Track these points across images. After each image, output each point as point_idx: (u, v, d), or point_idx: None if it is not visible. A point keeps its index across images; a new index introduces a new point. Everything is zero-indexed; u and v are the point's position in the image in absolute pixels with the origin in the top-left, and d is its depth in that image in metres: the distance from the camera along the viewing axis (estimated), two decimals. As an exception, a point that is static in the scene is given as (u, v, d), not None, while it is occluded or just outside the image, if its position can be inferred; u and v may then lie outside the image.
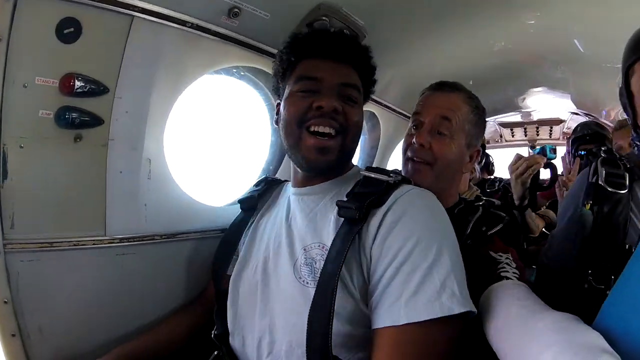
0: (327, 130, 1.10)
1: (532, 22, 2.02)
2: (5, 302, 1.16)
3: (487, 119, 3.51)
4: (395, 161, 3.00)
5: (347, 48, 1.18)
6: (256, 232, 1.30)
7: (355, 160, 2.82)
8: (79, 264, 1.28)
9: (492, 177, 3.24)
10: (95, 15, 1.16)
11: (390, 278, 0.93)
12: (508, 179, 2.90)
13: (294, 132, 1.12)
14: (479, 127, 1.40)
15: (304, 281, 1.03)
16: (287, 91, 1.18)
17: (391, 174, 1.09)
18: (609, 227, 1.30)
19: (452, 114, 1.31)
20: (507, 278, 1.05)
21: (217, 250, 1.36)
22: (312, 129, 1.10)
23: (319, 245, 1.06)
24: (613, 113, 3.17)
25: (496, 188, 2.91)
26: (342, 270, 0.94)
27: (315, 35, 1.22)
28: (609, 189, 1.29)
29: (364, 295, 0.99)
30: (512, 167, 1.80)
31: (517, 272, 1.08)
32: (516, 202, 1.87)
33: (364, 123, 2.77)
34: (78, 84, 1.18)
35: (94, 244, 1.30)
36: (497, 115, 3.93)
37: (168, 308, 1.47)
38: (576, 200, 1.43)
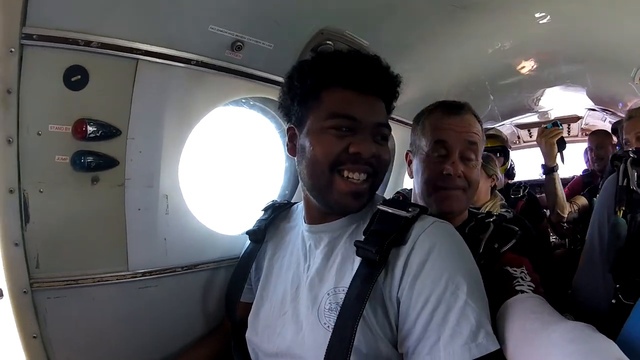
0: (362, 177, 1.00)
1: (544, 21, 1.92)
2: (35, 337, 1.16)
3: (503, 122, 3.40)
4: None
5: (381, 80, 1.06)
6: (271, 268, 1.21)
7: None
8: (103, 299, 1.27)
9: (517, 182, 3.04)
10: (100, 61, 1.14)
11: (425, 324, 0.87)
12: (531, 182, 2.77)
13: (324, 174, 1.00)
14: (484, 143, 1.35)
15: (329, 327, 0.95)
16: (314, 124, 1.03)
17: (409, 208, 0.99)
18: None
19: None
20: (522, 292, 0.98)
21: (230, 281, 1.31)
22: (345, 174, 1.00)
23: (343, 290, 0.97)
24: (630, 105, 2.99)
25: (521, 194, 2.75)
26: (364, 312, 0.88)
27: (343, 59, 1.05)
28: None
29: (388, 336, 0.93)
30: (542, 134, 2.38)
31: (532, 284, 1.00)
32: (549, 164, 2.38)
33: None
34: (90, 128, 1.16)
35: (117, 279, 1.28)
36: (513, 117, 3.79)
37: (190, 338, 1.44)
38: (607, 207, 1.32)
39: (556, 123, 2.44)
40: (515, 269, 1.06)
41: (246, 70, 1.46)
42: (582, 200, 2.78)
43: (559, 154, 2.45)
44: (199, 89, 1.36)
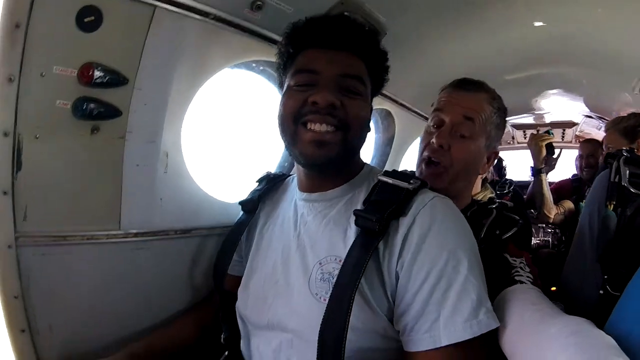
0: (324, 128, 0.99)
1: (549, 23, 1.98)
2: (15, 297, 1.12)
3: None
4: (408, 160, 2.97)
5: (348, 34, 1.06)
6: (261, 239, 1.21)
7: (368, 158, 2.80)
8: (91, 259, 1.24)
9: (504, 179, 3.17)
10: (116, 3, 1.11)
11: (425, 299, 0.88)
12: (518, 182, 2.90)
13: (290, 128, 1.03)
14: (500, 129, 1.35)
15: (321, 298, 0.96)
16: (285, 85, 1.09)
17: (411, 180, 1.01)
18: (631, 232, 1.26)
19: (476, 114, 1.25)
20: (521, 282, 1.02)
21: (219, 252, 1.31)
22: (308, 126, 1.00)
23: (335, 259, 0.99)
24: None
25: (506, 190, 2.90)
26: (360, 283, 0.88)
27: (313, 23, 1.09)
28: (633, 190, 1.26)
29: (385, 311, 0.94)
30: (533, 137, 2.71)
31: (530, 276, 1.05)
32: (536, 165, 2.69)
33: (379, 120, 2.74)
34: (97, 74, 1.13)
35: (107, 238, 1.26)
36: (510, 116, 3.81)
37: (180, 305, 1.44)
38: (598, 200, 1.40)
39: (548, 131, 2.72)
40: (514, 258, 1.10)
41: (262, 32, 1.45)
42: (569, 204, 2.94)
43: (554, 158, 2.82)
44: (213, 45, 1.35)
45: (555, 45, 2.30)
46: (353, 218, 0.98)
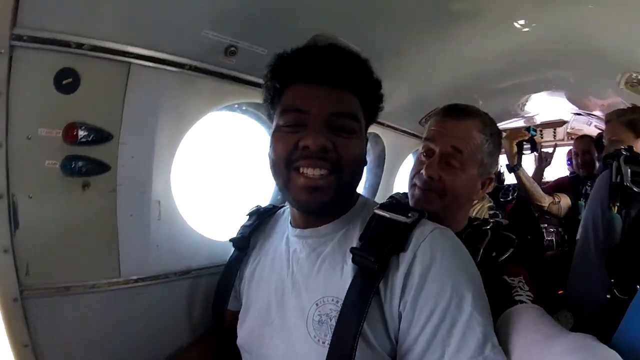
0: (317, 173, 0.91)
1: (529, 28, 1.92)
2: (25, 345, 1.12)
3: None
4: (401, 179, 2.90)
5: (339, 67, 0.96)
6: (253, 276, 1.15)
7: (362, 182, 2.75)
8: (95, 306, 1.23)
9: (506, 185, 3.02)
10: (92, 64, 1.11)
11: (429, 339, 0.82)
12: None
13: (282, 173, 0.95)
14: (494, 155, 1.26)
15: (319, 341, 0.90)
16: (274, 123, 1.00)
17: (409, 214, 0.93)
18: (636, 233, 1.20)
19: (464, 144, 1.17)
20: (521, 302, 0.96)
21: (216, 291, 1.26)
22: (301, 170, 0.92)
23: (332, 300, 0.92)
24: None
25: (510, 198, 2.76)
26: (363, 327, 0.82)
27: (299, 55, 0.99)
28: (636, 189, 1.19)
29: (387, 351, 0.88)
30: (507, 133, 2.59)
31: (530, 294, 0.99)
32: (510, 163, 2.61)
33: (369, 145, 2.68)
34: (81, 133, 1.13)
35: (109, 286, 1.25)
36: (499, 122, 3.74)
37: (182, 343, 1.40)
38: (601, 203, 1.33)
39: (529, 128, 2.67)
40: (513, 278, 1.04)
41: (240, 76, 1.44)
42: (566, 199, 2.84)
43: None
44: (192, 93, 1.34)
45: (539, 49, 2.24)
46: (349, 255, 0.92)
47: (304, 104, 0.94)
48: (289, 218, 1.11)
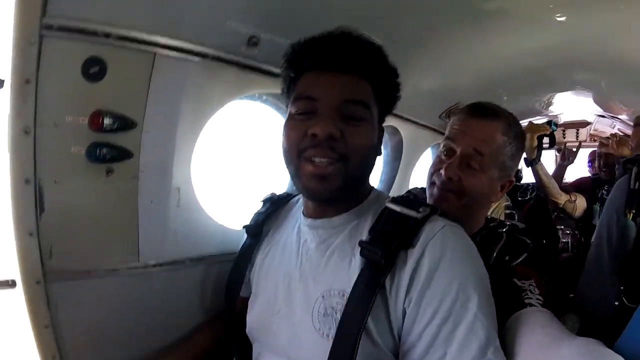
0: (325, 161, 0.90)
1: (557, 26, 1.85)
2: (46, 326, 1.15)
3: None
4: (418, 174, 2.85)
5: (350, 54, 0.94)
6: (263, 264, 1.15)
7: (377, 174, 2.72)
8: (114, 289, 1.26)
9: (524, 184, 2.95)
10: (118, 53, 1.12)
11: (432, 338, 0.80)
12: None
13: (294, 162, 0.94)
14: (515, 158, 1.23)
15: (323, 333, 0.89)
16: (287, 112, 1.00)
17: (420, 209, 0.90)
18: None
19: (486, 147, 1.14)
20: (531, 304, 0.95)
21: (229, 278, 1.26)
22: (311, 158, 0.91)
23: (338, 293, 0.90)
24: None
25: (528, 197, 2.66)
26: (367, 322, 0.81)
27: (312, 44, 0.98)
28: None
29: (390, 348, 0.86)
30: (528, 126, 2.43)
31: (540, 298, 0.97)
32: (528, 157, 2.46)
33: (386, 137, 2.65)
34: (106, 120, 1.14)
35: (128, 270, 1.27)
36: (522, 120, 3.68)
37: (196, 324, 1.42)
38: (617, 209, 1.30)
39: (550, 122, 2.52)
40: (523, 281, 1.03)
41: (261, 66, 1.43)
42: (582, 200, 2.76)
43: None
44: (214, 83, 1.34)
45: (569, 49, 2.19)
46: (358, 248, 0.90)
47: (314, 91, 0.93)
48: (302, 207, 1.10)
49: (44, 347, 1.15)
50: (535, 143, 2.42)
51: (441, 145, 1.23)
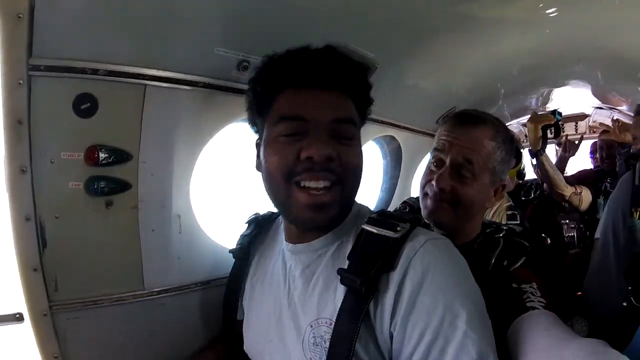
0: (320, 185, 0.83)
1: (551, 22, 1.83)
2: (55, 356, 1.15)
3: (510, 122, 3.32)
4: (418, 180, 2.78)
5: (337, 70, 0.87)
6: (253, 289, 1.10)
7: (378, 185, 2.69)
8: (121, 317, 1.26)
9: (527, 181, 2.83)
10: (108, 88, 1.12)
11: (422, 359, 0.75)
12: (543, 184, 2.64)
13: (281, 188, 0.86)
14: (506, 161, 1.19)
15: None
16: (267, 134, 0.89)
17: (398, 227, 0.83)
18: None
19: (475, 155, 1.11)
20: (533, 307, 0.90)
21: (224, 302, 1.21)
22: (302, 184, 0.84)
23: (325, 322, 0.85)
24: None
25: (532, 197, 2.58)
26: (356, 349, 0.78)
27: (294, 58, 0.89)
28: None
29: None
30: (532, 116, 2.36)
31: (542, 300, 0.93)
32: (533, 148, 2.34)
33: (384, 146, 2.64)
34: (102, 155, 1.14)
35: (134, 298, 1.26)
36: (520, 117, 3.70)
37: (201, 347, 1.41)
38: (622, 207, 1.26)
39: (554, 112, 2.40)
40: (524, 285, 0.98)
41: (254, 89, 1.41)
42: (588, 193, 2.63)
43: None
44: (207, 109, 1.33)
45: (562, 46, 2.17)
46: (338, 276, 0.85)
47: (302, 110, 0.85)
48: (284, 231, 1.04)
49: (55, 376, 1.15)
50: (540, 134, 2.32)
51: (431, 157, 1.20)
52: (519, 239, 1.13)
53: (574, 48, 2.21)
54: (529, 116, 2.44)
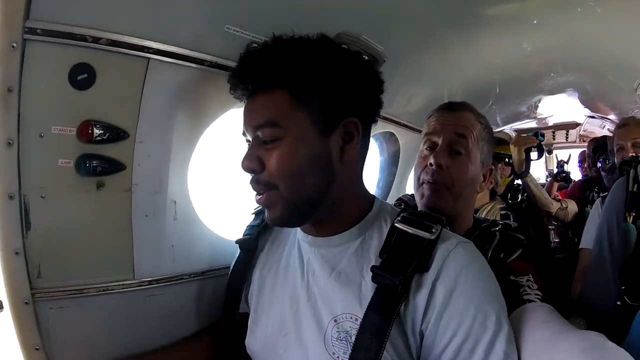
0: (257, 197, 0.88)
1: (548, 34, 1.91)
2: (37, 348, 1.05)
3: (502, 128, 3.41)
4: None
5: (253, 70, 0.86)
6: (264, 281, 1.06)
7: (375, 181, 2.69)
8: (107, 308, 1.16)
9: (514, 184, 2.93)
10: (108, 59, 1.03)
11: (453, 357, 0.78)
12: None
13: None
14: (491, 145, 1.26)
15: (338, 358, 0.84)
16: None
17: (433, 229, 0.85)
18: None
19: (467, 131, 1.18)
20: (530, 300, 0.94)
21: (225, 295, 1.16)
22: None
23: (351, 317, 0.85)
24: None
25: (520, 200, 2.63)
26: (385, 349, 0.77)
27: (233, 75, 0.90)
28: None
29: None
30: (515, 139, 2.39)
31: (539, 293, 0.97)
32: (517, 170, 2.39)
33: (383, 142, 2.62)
34: (97, 131, 1.04)
35: (122, 288, 1.17)
36: (512, 123, 3.72)
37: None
38: (617, 212, 1.31)
39: (537, 133, 2.54)
40: (521, 277, 1.02)
41: (261, 73, 1.35)
42: (573, 205, 2.76)
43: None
44: (211, 90, 1.26)
45: (557, 52, 2.22)
46: (367, 271, 0.85)
47: (244, 125, 0.89)
48: None
49: (35, 370, 1.06)
50: (524, 156, 2.40)
51: (422, 143, 1.25)
52: (515, 233, 1.15)
53: (571, 56, 2.26)
54: (522, 122, 2.48)
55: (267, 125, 0.84)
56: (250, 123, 0.86)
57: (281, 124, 0.83)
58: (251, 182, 0.87)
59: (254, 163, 0.84)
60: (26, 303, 1.03)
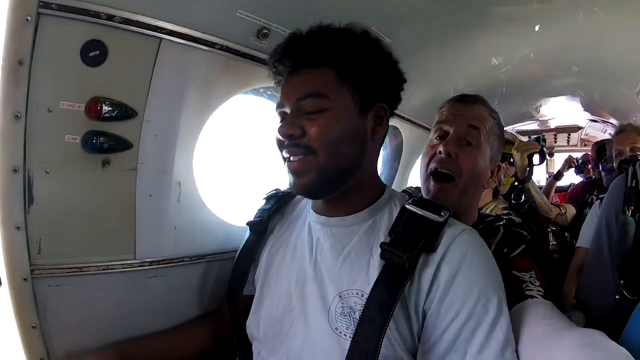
0: (294, 158, 0.91)
1: (549, 32, 1.89)
2: (34, 327, 1.04)
3: (505, 129, 3.40)
4: (415, 174, 2.82)
5: (301, 51, 0.93)
6: (271, 261, 1.08)
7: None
8: (107, 288, 1.16)
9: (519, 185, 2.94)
10: (121, 37, 1.03)
11: (453, 338, 0.80)
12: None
13: (284, 163, 0.96)
14: (501, 141, 1.26)
15: (341, 333, 0.86)
16: None
17: (442, 212, 0.89)
18: None
19: (480, 123, 1.18)
20: (532, 296, 0.96)
21: (231, 276, 1.17)
22: (284, 156, 0.94)
23: (357, 293, 0.88)
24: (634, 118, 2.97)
25: (522, 200, 2.62)
26: (389, 326, 0.79)
27: (274, 56, 0.98)
28: None
29: (409, 348, 0.85)
30: (517, 145, 2.32)
31: (541, 289, 0.99)
32: (520, 175, 2.33)
33: (387, 137, 2.61)
34: (105, 108, 1.04)
35: (123, 268, 1.17)
36: (514, 124, 3.73)
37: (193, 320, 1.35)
38: (615, 206, 1.34)
39: (538, 138, 2.55)
40: (524, 273, 1.03)
41: (270, 60, 1.36)
42: (572, 209, 2.77)
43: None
44: (220, 74, 1.26)
45: (560, 55, 2.23)
46: (377, 250, 0.88)
47: (282, 99, 0.95)
48: (310, 203, 1.07)
49: (31, 349, 1.04)
50: (526, 162, 2.38)
51: (433, 131, 1.25)
52: (518, 229, 1.17)
53: (573, 59, 2.27)
54: (524, 124, 2.48)
55: (316, 96, 0.89)
56: (295, 94, 0.91)
57: (329, 95, 0.90)
58: (287, 146, 0.91)
59: (295, 129, 0.89)
60: (24, 279, 1.02)
